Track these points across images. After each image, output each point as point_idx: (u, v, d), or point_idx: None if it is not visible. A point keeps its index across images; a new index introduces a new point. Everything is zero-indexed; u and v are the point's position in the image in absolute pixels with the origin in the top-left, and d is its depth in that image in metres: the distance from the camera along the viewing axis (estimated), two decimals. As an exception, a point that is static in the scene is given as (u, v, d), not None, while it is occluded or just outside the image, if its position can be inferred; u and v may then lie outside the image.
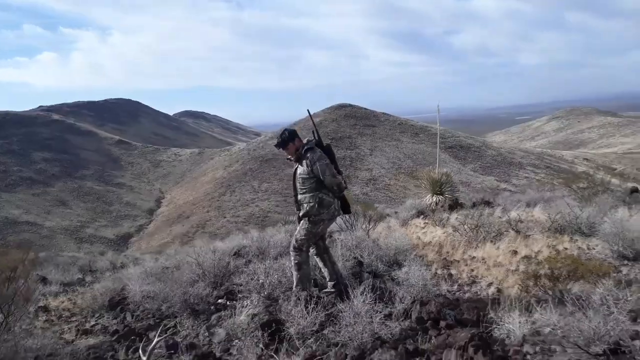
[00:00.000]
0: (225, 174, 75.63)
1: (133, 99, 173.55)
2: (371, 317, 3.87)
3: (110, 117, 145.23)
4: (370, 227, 8.03)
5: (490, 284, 5.53)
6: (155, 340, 3.68)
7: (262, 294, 5.47)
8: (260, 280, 5.93)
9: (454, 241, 7.74)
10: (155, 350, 4.05)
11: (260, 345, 3.98)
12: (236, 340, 4.33)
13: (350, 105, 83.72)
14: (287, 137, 5.13)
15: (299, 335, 4.13)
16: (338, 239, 7.30)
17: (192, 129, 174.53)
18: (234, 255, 8.42)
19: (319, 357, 3.61)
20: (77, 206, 71.98)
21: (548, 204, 10.91)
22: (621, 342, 3.29)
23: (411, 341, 3.71)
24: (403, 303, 4.28)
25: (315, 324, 4.18)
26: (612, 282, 4.42)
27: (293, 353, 3.85)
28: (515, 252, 6.81)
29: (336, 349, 3.73)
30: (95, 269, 12.24)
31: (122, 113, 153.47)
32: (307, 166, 4.98)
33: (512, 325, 3.84)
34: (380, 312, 3.95)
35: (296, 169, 5.19)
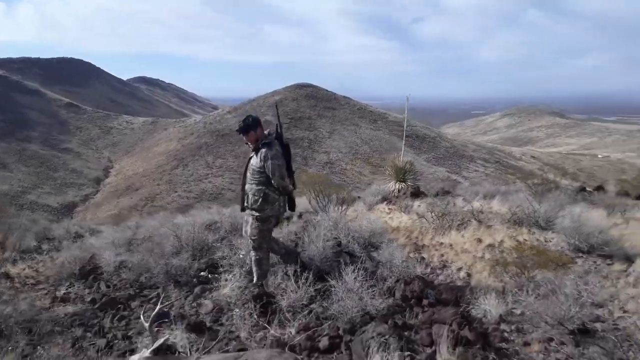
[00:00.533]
0: (179, 146, 73.67)
1: (86, 59, 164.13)
2: (362, 294, 4.11)
3: (60, 77, 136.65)
4: (344, 209, 8.26)
5: (460, 269, 5.91)
6: (158, 307, 3.76)
7: (243, 269, 5.61)
8: (241, 255, 6.06)
9: (421, 227, 8.10)
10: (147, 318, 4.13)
11: (255, 316, 4.14)
12: (227, 312, 4.47)
13: (312, 86, 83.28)
14: (251, 124, 4.97)
15: (290, 309, 4.33)
16: (314, 219, 7.48)
17: (147, 96, 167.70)
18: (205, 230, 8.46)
19: (314, 329, 3.82)
20: (19, 170, 68.18)
21: (505, 197, 11.52)
22: (586, 324, 3.69)
23: (399, 316, 4.00)
24: (387, 282, 4.54)
25: (305, 298, 4.38)
26: (575, 271, 4.86)
27: (286, 324, 4.04)
28: (479, 240, 7.24)
29: (329, 322, 3.94)
30: (53, 237, 11.87)
31: (74, 74, 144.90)
32: (261, 160, 4.93)
33: (487, 306, 4.21)
34: (371, 289, 4.19)
35: (250, 157, 5.13)
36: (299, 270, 4.86)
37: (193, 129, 79.35)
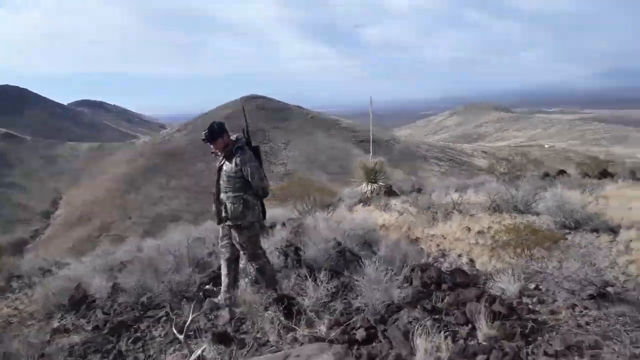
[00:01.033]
0: (129, 170, 71.14)
1: (20, 85, 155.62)
2: (387, 285, 4.17)
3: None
4: (331, 211, 8.33)
5: (460, 255, 6.09)
6: (190, 317, 3.67)
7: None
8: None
9: (409, 222, 8.27)
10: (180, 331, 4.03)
11: (281, 318, 4.11)
12: (248, 319, 4.42)
13: (263, 97, 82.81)
14: (217, 131, 4.81)
15: (313, 308, 4.33)
16: (306, 223, 7.50)
17: (91, 121, 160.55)
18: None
19: (345, 324, 3.84)
20: (-42, 210, 64.22)
21: (478, 188, 11.91)
22: (601, 289, 3.89)
23: (426, 301, 4.07)
24: (403, 270, 4.60)
25: (325, 296, 4.39)
26: (569, 245, 5.11)
27: (314, 323, 4.03)
28: (469, 229, 7.48)
29: (358, 316, 3.97)
30: (20, 274, 11.31)
31: (7, 102, 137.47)
32: (237, 165, 4.76)
33: (503, 284, 4.36)
34: (395, 279, 4.25)
35: (222, 165, 4.93)
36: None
37: (142, 150, 77.12)
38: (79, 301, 6.34)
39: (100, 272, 7.70)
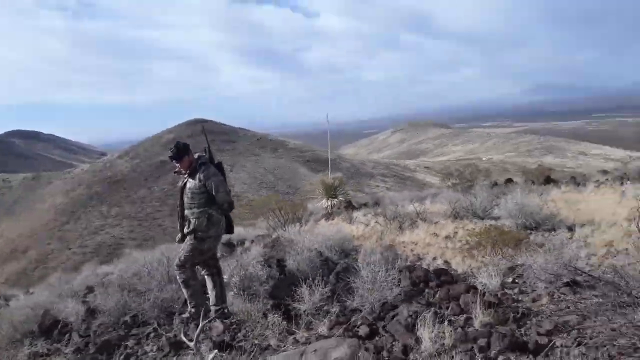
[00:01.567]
0: (67, 199, 67.68)
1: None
2: (382, 285, 4.40)
3: None
4: (304, 225, 8.50)
5: (434, 258, 6.44)
6: (201, 324, 3.72)
7: (233, 291, 5.62)
8: (225, 278, 6.06)
9: (380, 231, 8.58)
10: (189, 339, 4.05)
11: (283, 322, 4.24)
12: (243, 328, 4.50)
13: (206, 121, 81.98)
14: (182, 149, 4.91)
15: (309, 312, 4.49)
16: (283, 236, 7.64)
17: (24, 151, 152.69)
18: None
19: (347, 323, 4.03)
20: None
21: (434, 199, 12.47)
22: (573, 278, 4.30)
23: (420, 297, 4.34)
24: (391, 272, 4.85)
25: (321, 300, 4.57)
26: (533, 243, 5.56)
27: (314, 325, 4.19)
28: (436, 235, 7.87)
29: (357, 315, 4.18)
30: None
31: None
32: (200, 181, 4.84)
33: (484, 279, 4.70)
34: (390, 279, 4.49)
35: (185, 183, 4.99)
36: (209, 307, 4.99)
37: (81, 179, 73.77)
38: (50, 327, 6.18)
39: (67, 297, 7.50)
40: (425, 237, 7.72)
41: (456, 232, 7.87)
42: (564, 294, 4.12)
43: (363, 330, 3.88)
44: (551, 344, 3.25)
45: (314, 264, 5.82)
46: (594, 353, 3.02)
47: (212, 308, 5.18)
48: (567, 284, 4.28)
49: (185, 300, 5.85)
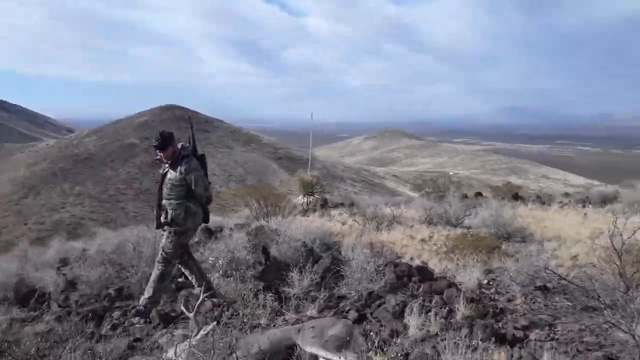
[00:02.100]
0: (28, 173, 65.23)
1: None
2: (371, 275, 4.68)
3: None
4: (286, 217, 8.70)
5: (412, 258, 6.74)
6: (202, 296, 3.87)
7: (219, 272, 5.79)
8: (211, 260, 6.23)
9: (356, 230, 8.87)
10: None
11: (274, 304, 4.45)
12: (230, 307, 4.68)
13: (182, 108, 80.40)
14: (168, 138, 4.80)
15: (298, 295, 4.72)
16: (267, 226, 7.82)
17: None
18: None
19: (335, 307, 4.27)
20: None
21: (407, 204, 12.86)
22: (545, 283, 4.68)
23: (405, 289, 4.63)
24: (372, 265, 5.12)
25: (310, 285, 4.81)
26: (506, 251, 5.95)
27: (303, 309, 4.42)
28: (412, 237, 8.21)
29: (345, 301, 4.44)
30: None
31: None
32: (181, 173, 4.77)
33: (462, 278, 5.04)
34: (380, 268, 4.77)
35: (165, 173, 4.91)
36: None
37: (46, 154, 71.34)
38: (26, 295, 6.19)
39: (44, 268, 7.48)
40: (402, 239, 8.05)
41: (431, 236, 8.23)
42: (537, 297, 4.49)
43: (352, 315, 4.13)
44: (527, 338, 3.58)
45: (299, 253, 6.04)
46: (564, 347, 3.36)
47: (197, 289, 5.23)
48: (538, 288, 4.66)
49: (172, 277, 5.98)
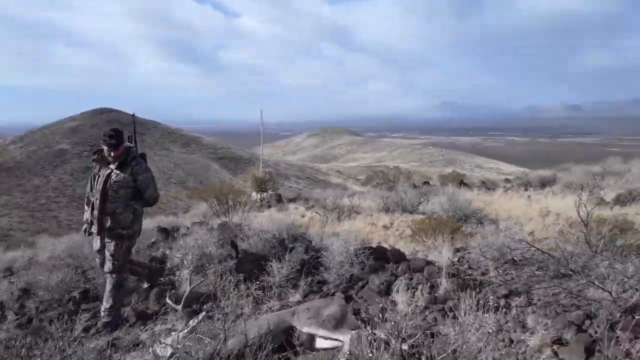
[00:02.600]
0: (-52, 183, 60.94)
1: None
2: (351, 260, 4.75)
3: None
4: (247, 212, 8.62)
5: (379, 243, 6.88)
6: (188, 289, 3.78)
7: (189, 269, 5.67)
8: (176, 257, 6.08)
9: (317, 221, 8.95)
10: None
11: (255, 293, 4.42)
12: (212, 299, 4.61)
13: (114, 111, 77.16)
14: (121, 136, 4.57)
15: (279, 284, 4.72)
16: (229, 222, 7.72)
17: None
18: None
19: (319, 292, 4.31)
20: None
21: (361, 196, 13.09)
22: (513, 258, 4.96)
23: (384, 271, 4.74)
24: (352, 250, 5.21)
25: (290, 273, 4.83)
26: (467, 232, 6.22)
27: (288, 295, 4.43)
28: (374, 224, 8.39)
29: (328, 286, 4.49)
30: None
31: None
32: (132, 175, 4.56)
33: (434, 257, 5.23)
34: (360, 252, 4.86)
35: (109, 174, 4.55)
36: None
37: (-34, 162, 66.59)
38: (-26, 305, 5.84)
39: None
40: (364, 227, 8.21)
41: (392, 223, 8.45)
42: (507, 269, 4.75)
43: (338, 296, 4.20)
44: (508, 305, 3.79)
45: (271, 245, 6.03)
46: (544, 310, 3.58)
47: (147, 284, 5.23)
48: (507, 262, 4.92)
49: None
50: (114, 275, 4.67)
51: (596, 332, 3.06)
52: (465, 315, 3.27)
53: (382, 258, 5.23)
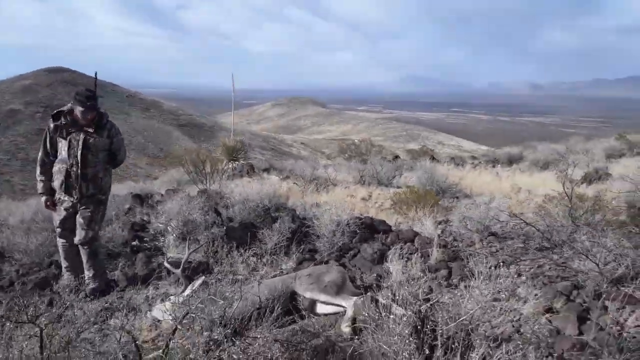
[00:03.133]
0: None
1: None
2: (344, 228, 4.83)
3: None
4: (223, 180, 8.55)
5: (361, 214, 6.98)
6: (187, 253, 3.76)
7: (174, 235, 5.62)
8: (160, 225, 6.01)
9: (296, 192, 8.98)
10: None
11: (250, 260, 4.45)
12: (204, 265, 4.61)
13: (69, 70, 73.38)
14: (97, 99, 4.31)
15: (270, 251, 4.77)
16: (213, 189, 7.64)
17: None
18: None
19: (313, 260, 4.39)
20: None
21: (337, 168, 13.18)
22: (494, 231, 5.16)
23: (374, 240, 4.85)
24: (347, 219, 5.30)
25: (281, 241, 4.88)
26: (446, 205, 6.39)
27: (281, 263, 4.49)
28: (353, 196, 8.49)
29: (319, 254, 4.57)
30: None
31: None
32: (109, 137, 4.41)
33: (418, 229, 5.37)
34: (351, 221, 4.93)
35: (87, 137, 4.29)
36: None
37: None
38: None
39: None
40: (343, 198, 8.30)
41: (370, 195, 8.58)
42: (492, 242, 4.94)
43: (333, 264, 4.28)
44: (498, 275, 3.96)
45: (257, 213, 6.04)
46: (532, 282, 3.77)
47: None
48: (491, 234, 5.12)
49: (125, 241, 5.70)
50: (85, 247, 4.46)
51: (584, 302, 3.26)
52: (460, 284, 3.41)
53: (369, 228, 5.35)
